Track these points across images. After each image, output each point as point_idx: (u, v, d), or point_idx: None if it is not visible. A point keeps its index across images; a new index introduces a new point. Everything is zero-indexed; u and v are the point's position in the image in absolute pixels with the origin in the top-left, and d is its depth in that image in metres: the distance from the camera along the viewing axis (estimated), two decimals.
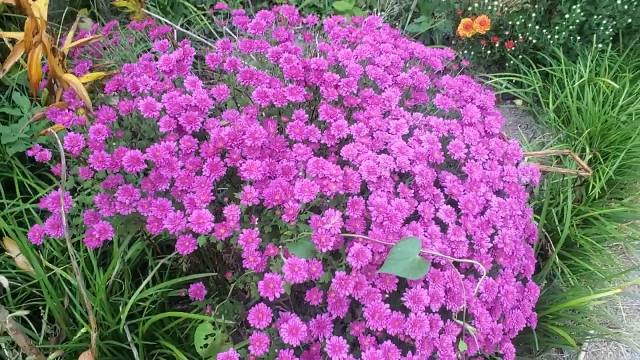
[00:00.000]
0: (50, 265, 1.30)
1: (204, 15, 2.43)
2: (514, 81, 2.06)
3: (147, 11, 2.01)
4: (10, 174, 1.49)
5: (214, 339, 1.01)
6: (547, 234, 1.44)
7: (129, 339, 1.21)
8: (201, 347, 1.02)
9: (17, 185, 1.46)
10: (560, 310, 1.29)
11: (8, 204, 1.44)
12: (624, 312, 1.49)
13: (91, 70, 1.25)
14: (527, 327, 1.27)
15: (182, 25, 2.36)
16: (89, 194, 1.07)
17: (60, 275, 1.28)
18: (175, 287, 1.27)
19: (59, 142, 0.91)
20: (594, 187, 1.59)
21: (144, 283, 1.20)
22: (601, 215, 1.55)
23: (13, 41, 1.40)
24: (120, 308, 1.22)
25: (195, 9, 2.42)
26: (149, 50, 1.83)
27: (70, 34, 1.26)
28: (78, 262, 1.28)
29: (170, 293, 1.28)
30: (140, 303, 1.24)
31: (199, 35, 2.24)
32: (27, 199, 1.45)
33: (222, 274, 1.24)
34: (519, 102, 2.07)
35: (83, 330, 1.17)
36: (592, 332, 1.41)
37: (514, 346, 1.05)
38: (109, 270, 1.24)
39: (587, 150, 1.70)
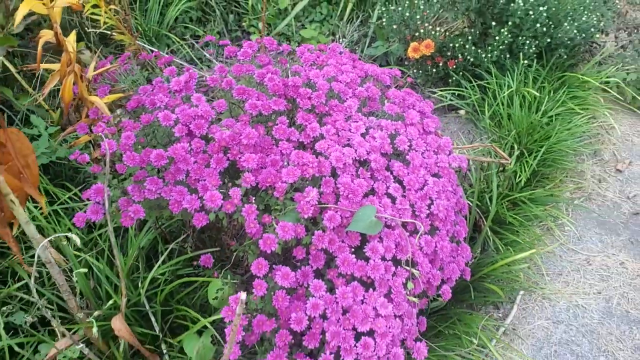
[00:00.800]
0: (78, 253, 1.59)
1: (186, 44, 2.76)
2: (456, 94, 2.44)
3: (140, 43, 2.33)
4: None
5: (223, 292, 1.32)
6: (481, 214, 1.80)
7: (147, 307, 1.50)
8: (213, 299, 1.33)
9: (42, 191, 1.75)
10: (493, 271, 1.64)
11: (36, 207, 1.72)
12: (547, 276, 1.85)
13: (110, 92, 1.57)
14: (466, 285, 1.62)
15: (167, 54, 2.68)
16: (115, 189, 1.37)
17: (86, 260, 1.58)
18: (184, 266, 1.58)
19: (106, 145, 1.22)
20: (521, 176, 1.96)
21: (160, 260, 1.50)
22: (527, 199, 1.92)
23: (48, 70, 1.70)
24: (140, 284, 1.52)
25: (177, 39, 2.74)
26: (149, 74, 2.15)
27: (92, 64, 1.57)
28: (108, 248, 1.58)
29: (179, 271, 1.58)
30: (157, 277, 1.54)
31: (182, 62, 2.57)
32: (52, 202, 1.74)
33: (223, 252, 1.56)
34: (462, 112, 2.45)
35: (112, 301, 1.46)
36: (521, 292, 1.76)
37: (456, 304, 1.39)
38: (130, 254, 1.53)
39: (516, 147, 2.08)
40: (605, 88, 2.45)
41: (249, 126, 1.33)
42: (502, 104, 2.23)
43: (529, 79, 2.34)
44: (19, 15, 1.31)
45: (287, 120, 1.37)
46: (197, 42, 2.81)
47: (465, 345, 1.49)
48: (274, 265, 1.23)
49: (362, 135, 1.38)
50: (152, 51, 2.29)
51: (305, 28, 3.01)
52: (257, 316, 1.20)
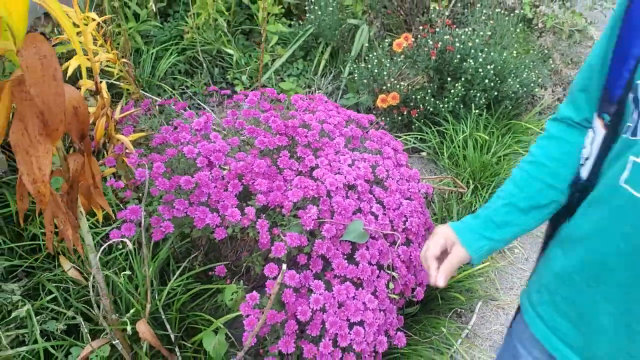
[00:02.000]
0: (102, 268, 1.83)
1: (176, 93, 3.08)
2: (419, 138, 2.82)
3: (142, 92, 2.63)
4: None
5: (237, 295, 1.59)
6: None
7: (163, 315, 1.75)
8: (230, 300, 1.59)
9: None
10: (457, 282, 1.96)
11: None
12: (500, 290, 2.18)
13: (134, 132, 1.86)
14: (435, 295, 1.93)
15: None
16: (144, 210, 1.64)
17: (106, 275, 1.82)
18: (194, 281, 1.84)
19: (146, 172, 1.50)
20: (476, 206, 2.32)
21: (177, 273, 1.76)
22: None
23: None
24: (156, 296, 1.77)
25: (169, 89, 3.06)
26: (165, 118, 2.44)
27: (118, 108, 1.86)
28: (128, 266, 1.82)
29: (189, 285, 1.84)
30: (171, 290, 1.79)
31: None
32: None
33: (230, 266, 1.82)
34: (424, 153, 2.82)
35: (133, 310, 1.70)
36: (480, 303, 2.08)
37: (426, 312, 1.70)
38: (151, 269, 1.79)
39: (471, 182, 2.44)
40: None
41: (258, 158, 1.64)
42: (458, 147, 2.61)
43: (480, 125, 2.74)
44: (70, 68, 1.61)
45: (288, 154, 1.68)
46: (185, 92, 3.13)
47: (435, 343, 1.79)
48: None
49: (349, 165, 1.70)
50: (153, 99, 2.60)
51: (284, 81, 3.38)
52: (270, 311, 1.47)
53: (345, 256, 1.55)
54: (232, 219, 1.51)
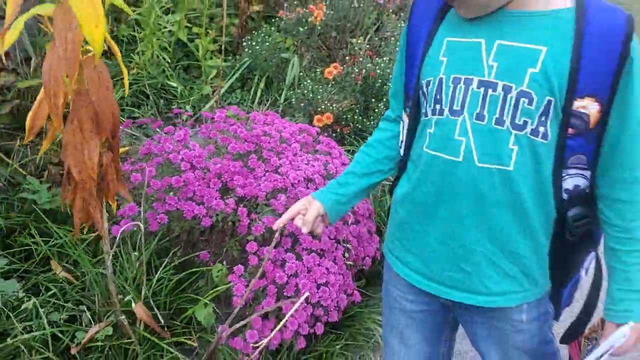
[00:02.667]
0: (93, 267, 2.10)
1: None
2: (351, 151, 3.28)
3: None
4: (39, 223, 2.27)
5: (222, 272, 1.92)
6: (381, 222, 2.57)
7: (151, 302, 2.04)
8: (216, 277, 1.92)
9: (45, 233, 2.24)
10: None
11: (44, 242, 2.20)
12: None
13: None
14: (378, 270, 2.34)
15: None
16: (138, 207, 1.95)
17: (101, 273, 2.09)
18: (175, 273, 2.14)
19: (146, 172, 1.82)
20: None
21: (164, 265, 2.07)
22: None
23: None
24: (145, 285, 2.06)
25: (121, 119, 3.35)
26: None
27: None
28: (124, 258, 2.11)
29: (172, 276, 2.14)
30: (158, 280, 2.09)
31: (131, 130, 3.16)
32: (47, 241, 2.22)
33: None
34: None
35: (129, 296, 1.99)
36: None
37: (371, 284, 2.11)
38: (140, 264, 2.08)
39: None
40: None
41: (231, 161, 2.01)
42: None
43: None
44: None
45: (256, 157, 2.07)
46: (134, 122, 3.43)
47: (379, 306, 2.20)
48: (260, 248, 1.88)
49: (306, 164, 2.11)
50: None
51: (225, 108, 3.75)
52: (252, 280, 1.83)
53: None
54: (218, 208, 1.86)
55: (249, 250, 1.84)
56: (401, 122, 1.26)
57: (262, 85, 3.86)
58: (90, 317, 2.00)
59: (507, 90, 1.01)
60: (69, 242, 2.20)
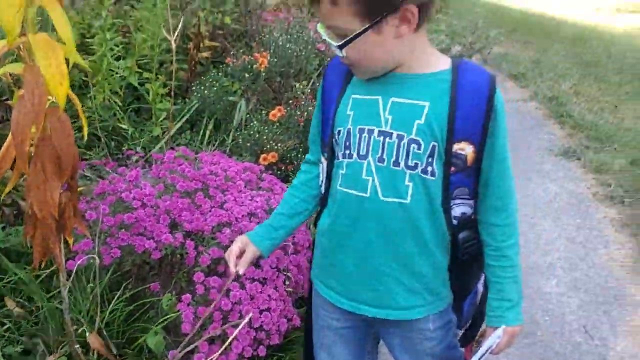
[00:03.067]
0: (47, 302, 2.22)
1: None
2: None
3: None
4: None
5: (171, 301, 2.08)
6: None
7: (105, 333, 2.17)
8: (166, 306, 2.08)
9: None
10: None
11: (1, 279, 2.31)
12: None
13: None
14: None
15: None
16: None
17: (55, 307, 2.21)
18: (126, 305, 2.28)
19: (100, 209, 1.99)
20: None
21: (117, 296, 2.21)
22: None
23: None
24: (98, 318, 2.19)
25: None
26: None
27: None
28: (78, 292, 2.24)
29: (125, 308, 2.28)
30: (110, 312, 2.22)
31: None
32: (1, 278, 2.33)
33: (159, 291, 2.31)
34: None
35: (83, 327, 2.11)
36: None
37: None
38: (95, 296, 2.22)
39: None
40: None
41: (179, 198, 2.20)
42: None
43: None
44: None
45: (202, 194, 2.26)
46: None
47: None
48: (206, 278, 2.06)
49: (250, 200, 2.32)
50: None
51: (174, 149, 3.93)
52: (198, 307, 2.00)
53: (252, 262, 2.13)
54: (167, 241, 2.04)
55: (196, 280, 2.02)
56: (320, 164, 1.46)
57: (210, 126, 4.07)
58: (45, 349, 2.11)
59: (400, 138, 1.23)
60: (23, 279, 2.31)
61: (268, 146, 3.46)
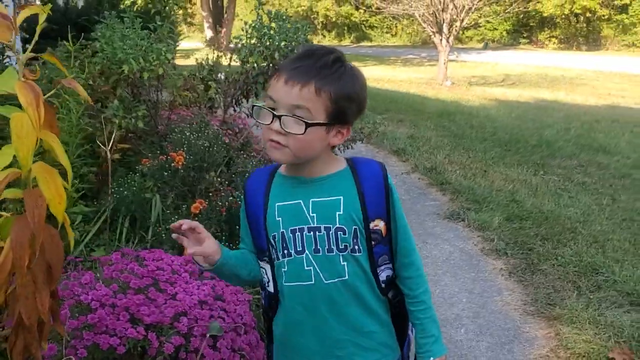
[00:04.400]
0: None
1: None
2: None
3: None
4: None
5: None
6: None
7: None
8: None
9: None
10: None
11: None
12: None
13: None
14: None
15: None
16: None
17: None
18: None
19: (66, 314, 2.12)
20: None
21: None
22: None
23: None
24: None
25: None
26: None
27: None
28: None
29: None
30: None
31: None
32: None
33: None
34: None
35: None
36: None
37: None
38: None
39: None
40: None
41: (134, 295, 2.39)
42: None
43: None
44: None
45: (154, 289, 2.46)
46: None
47: None
48: None
49: (197, 289, 2.55)
50: None
51: (95, 251, 4.02)
52: None
53: (210, 346, 2.35)
54: (131, 336, 2.21)
55: None
56: (262, 269, 1.64)
57: (126, 224, 4.21)
58: None
59: (327, 229, 1.50)
60: None
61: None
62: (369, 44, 39.01)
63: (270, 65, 4.35)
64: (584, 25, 34.90)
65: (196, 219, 3.81)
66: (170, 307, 2.37)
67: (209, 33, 23.71)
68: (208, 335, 2.36)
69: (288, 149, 1.42)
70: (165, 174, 3.82)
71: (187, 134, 4.12)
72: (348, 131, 1.49)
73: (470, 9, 15.86)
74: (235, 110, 4.81)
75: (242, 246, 1.75)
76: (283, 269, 1.56)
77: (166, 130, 4.68)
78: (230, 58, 5.69)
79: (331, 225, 1.49)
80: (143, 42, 3.78)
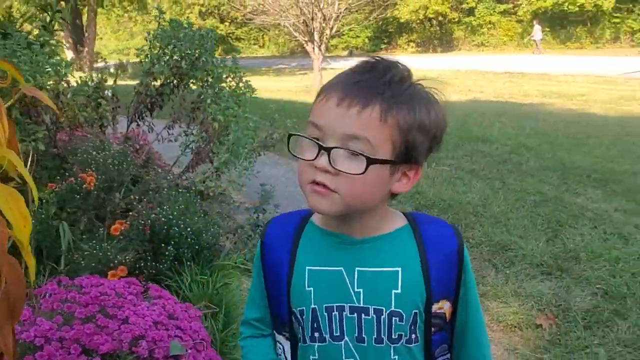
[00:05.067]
0: None
1: None
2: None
3: None
4: None
5: None
6: None
7: None
8: None
9: None
10: None
11: None
12: None
13: None
14: None
15: None
16: None
17: None
18: None
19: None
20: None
21: None
22: None
23: None
24: None
25: None
26: None
27: None
28: None
29: None
30: None
31: None
32: None
33: None
34: None
35: None
36: None
37: None
38: None
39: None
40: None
41: (83, 324, 2.21)
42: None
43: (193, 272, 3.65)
44: None
45: (102, 315, 2.29)
46: None
47: None
48: None
49: (147, 310, 2.41)
50: None
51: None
52: None
53: None
54: None
55: None
56: (278, 343, 1.26)
57: (33, 260, 3.85)
58: None
59: (378, 313, 1.09)
60: None
61: (116, 261, 3.47)
62: (238, 55, 38.90)
63: (176, 75, 4.22)
64: (438, 28, 37.62)
65: (115, 241, 3.59)
66: (126, 332, 2.21)
67: (69, 54, 22.32)
68: (170, 355, 2.24)
69: (338, 195, 1.01)
70: (77, 196, 3.56)
71: (94, 153, 3.87)
72: (416, 175, 1.08)
73: (337, 17, 16.49)
74: (138, 125, 4.59)
75: (251, 317, 1.31)
76: (312, 356, 1.17)
77: (64, 153, 4.36)
78: (117, 74, 5.44)
79: (384, 308, 1.10)
80: (38, 57, 3.49)
